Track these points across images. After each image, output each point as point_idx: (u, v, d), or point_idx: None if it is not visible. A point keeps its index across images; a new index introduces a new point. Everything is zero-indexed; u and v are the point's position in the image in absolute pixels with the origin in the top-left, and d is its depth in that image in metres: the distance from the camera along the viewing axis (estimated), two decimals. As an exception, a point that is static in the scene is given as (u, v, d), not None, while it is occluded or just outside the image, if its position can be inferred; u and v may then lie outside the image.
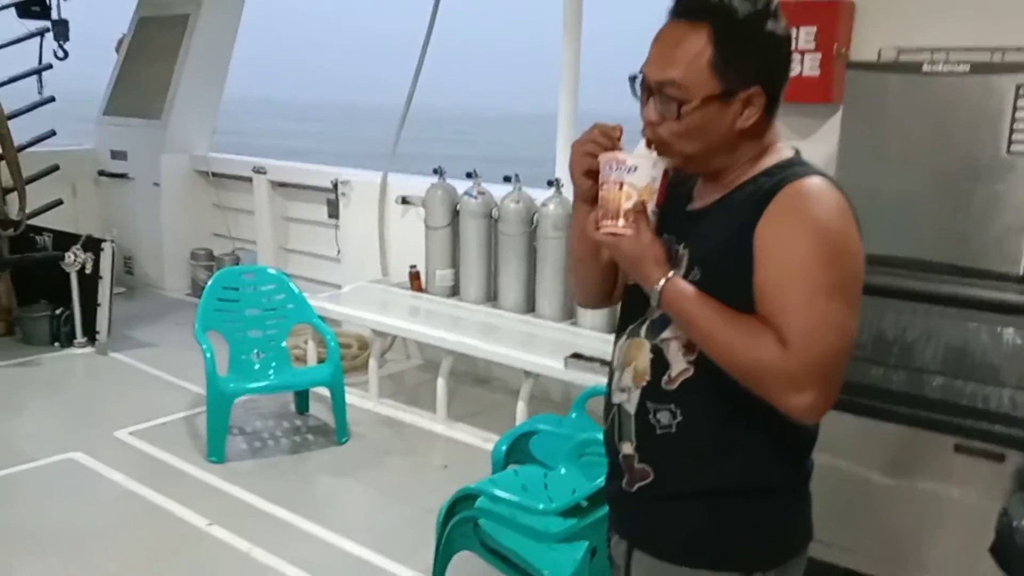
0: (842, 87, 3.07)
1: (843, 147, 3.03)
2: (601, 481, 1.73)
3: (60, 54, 6.61)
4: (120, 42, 7.60)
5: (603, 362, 3.78)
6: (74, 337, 5.75)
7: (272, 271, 4.89)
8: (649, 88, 1.45)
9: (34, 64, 6.53)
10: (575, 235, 1.65)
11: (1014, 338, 2.61)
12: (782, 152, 1.50)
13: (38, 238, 5.97)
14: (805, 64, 3.26)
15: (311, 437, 4.54)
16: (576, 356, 4.01)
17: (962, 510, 2.67)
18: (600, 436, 1.69)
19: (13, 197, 5.79)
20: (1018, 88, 2.65)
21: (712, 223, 1.48)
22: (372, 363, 5.01)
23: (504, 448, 3.19)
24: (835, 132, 3.11)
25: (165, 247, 7.25)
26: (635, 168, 1.42)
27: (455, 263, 5.21)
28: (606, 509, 1.72)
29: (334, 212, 6.16)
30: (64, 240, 5.77)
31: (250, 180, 6.81)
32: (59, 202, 6.39)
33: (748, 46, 1.40)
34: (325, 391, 4.49)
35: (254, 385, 4.40)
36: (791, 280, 1.36)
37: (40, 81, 6.54)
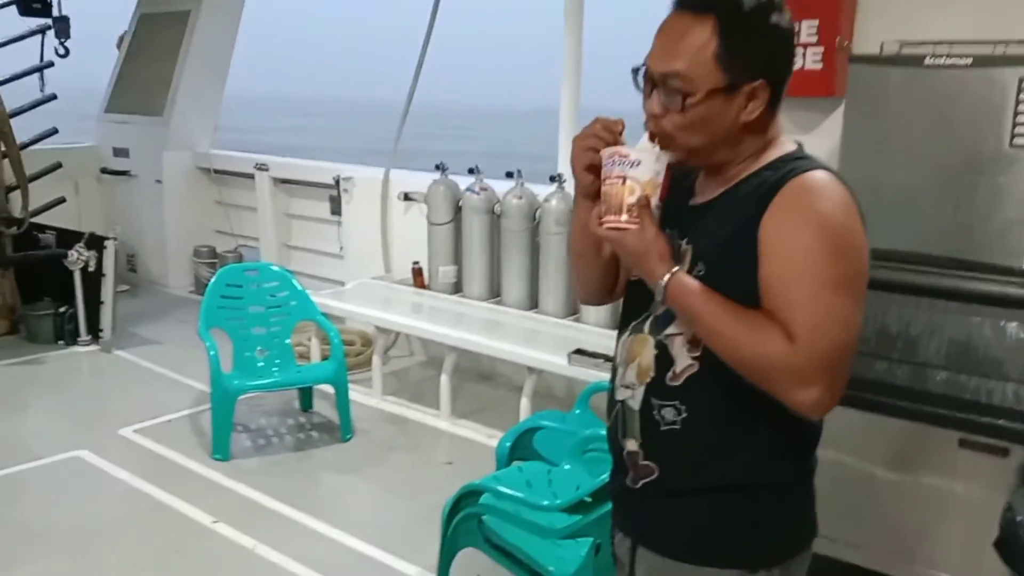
0: (844, 81, 3.05)
1: (845, 141, 3.01)
2: (605, 477, 1.73)
3: (61, 51, 6.58)
4: (121, 39, 7.60)
5: (606, 358, 3.77)
6: (78, 335, 5.76)
7: (275, 268, 4.90)
8: (652, 80, 1.44)
9: (35, 62, 6.52)
10: (576, 231, 1.64)
11: (1018, 332, 2.60)
12: (785, 146, 1.49)
13: (41, 236, 5.98)
14: (807, 58, 3.24)
15: (315, 434, 4.55)
16: (579, 352, 4.01)
17: (966, 505, 2.67)
18: (604, 432, 1.69)
19: (16, 195, 5.80)
20: (1021, 81, 2.63)
21: (716, 218, 1.47)
22: (376, 360, 5.01)
23: (508, 444, 3.18)
24: (837, 126, 3.09)
25: (168, 244, 7.25)
26: (638, 162, 1.41)
27: (458, 259, 5.21)
28: (610, 505, 1.71)
29: (336, 209, 6.15)
30: (67, 238, 5.77)
31: (252, 177, 6.80)
32: (62, 200, 6.38)
33: (753, 38, 1.40)
34: (329, 388, 4.49)
35: (258, 382, 4.40)
36: (796, 274, 1.35)
37: (42, 79, 6.54)
